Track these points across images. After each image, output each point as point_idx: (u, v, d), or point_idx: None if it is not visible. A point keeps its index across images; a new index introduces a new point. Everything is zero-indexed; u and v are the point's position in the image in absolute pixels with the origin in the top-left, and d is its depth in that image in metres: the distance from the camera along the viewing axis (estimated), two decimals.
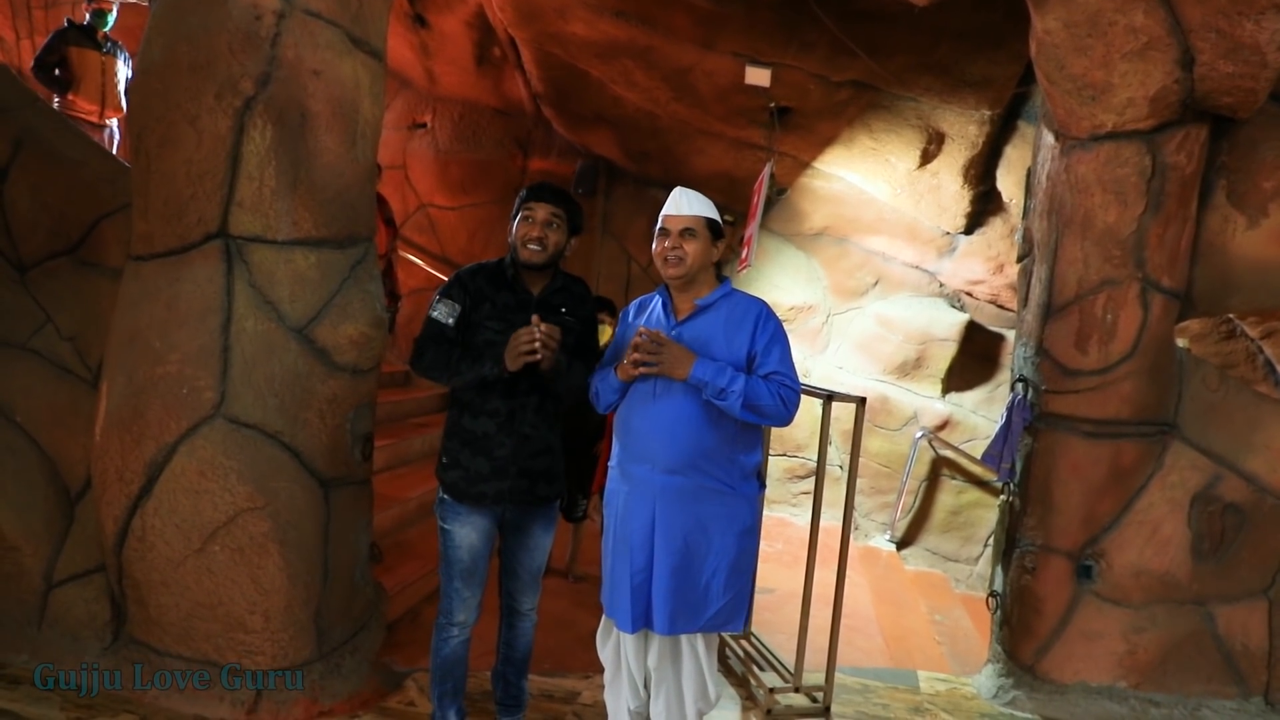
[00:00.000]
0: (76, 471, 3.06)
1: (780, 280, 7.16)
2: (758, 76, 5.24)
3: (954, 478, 6.78)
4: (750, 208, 5.76)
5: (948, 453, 6.69)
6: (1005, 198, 5.82)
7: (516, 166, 7.65)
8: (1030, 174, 3.81)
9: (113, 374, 2.81)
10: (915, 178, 5.85)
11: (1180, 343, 3.49)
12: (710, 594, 2.33)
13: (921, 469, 6.63)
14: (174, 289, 2.74)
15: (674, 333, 2.39)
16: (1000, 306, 6.82)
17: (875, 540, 6.60)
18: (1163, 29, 2.84)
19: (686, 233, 2.37)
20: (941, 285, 6.90)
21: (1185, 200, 3.27)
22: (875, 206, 6.53)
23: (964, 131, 5.33)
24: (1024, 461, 3.58)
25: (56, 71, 5.54)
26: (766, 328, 2.37)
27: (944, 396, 6.80)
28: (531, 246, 2.49)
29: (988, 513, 6.76)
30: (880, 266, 7.02)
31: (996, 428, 3.64)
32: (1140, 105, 3.06)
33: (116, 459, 2.76)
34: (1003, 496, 3.74)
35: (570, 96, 6.44)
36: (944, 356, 6.65)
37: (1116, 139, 3.21)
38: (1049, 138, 3.50)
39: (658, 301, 2.53)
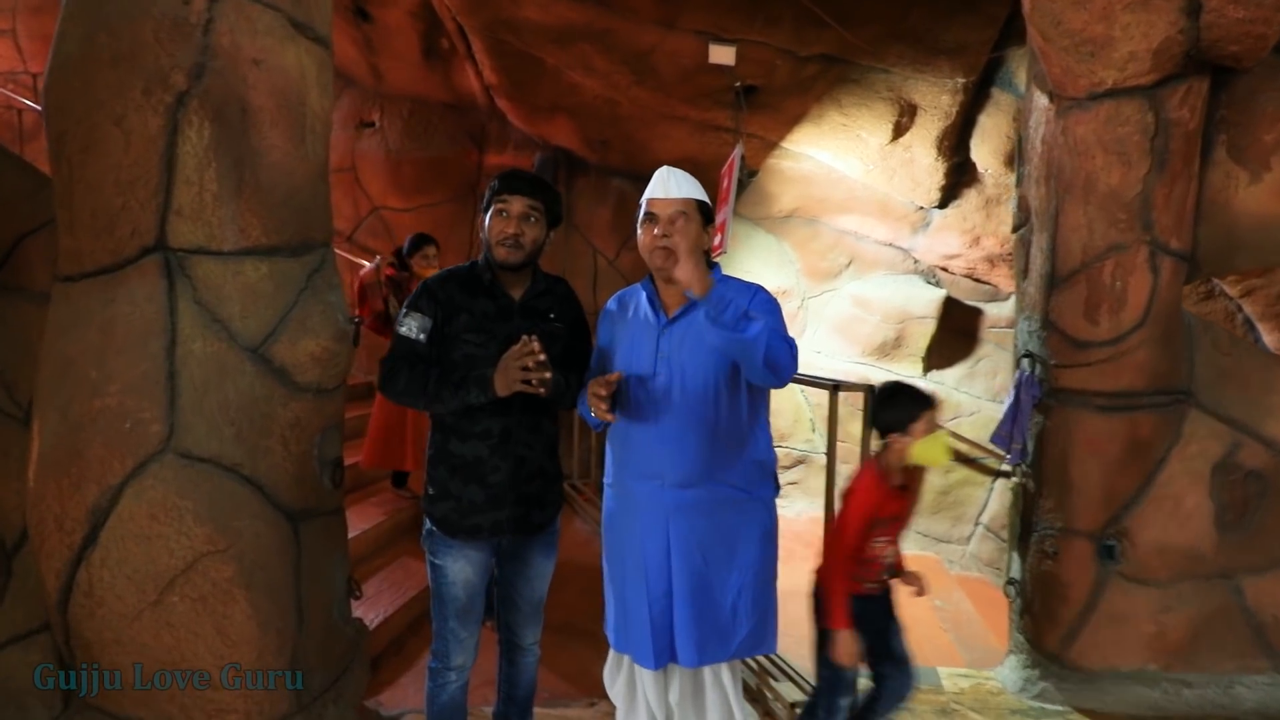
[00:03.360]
0: (11, 521, 2.74)
1: (751, 265, 6.97)
2: (722, 55, 5.02)
3: None
4: (720, 192, 5.55)
5: None
6: (980, 168, 5.67)
7: (472, 162, 7.35)
8: (1021, 140, 3.63)
9: (44, 410, 2.49)
10: (888, 152, 5.68)
11: None
12: (738, 616, 2.11)
13: None
14: (109, 311, 2.43)
15: (664, 332, 2.17)
16: (977, 280, 6.70)
17: None
18: None
19: (680, 218, 2.12)
20: (916, 262, 6.76)
21: (1189, 157, 3.12)
22: (846, 185, 6.35)
23: (937, 102, 5.16)
24: (1036, 441, 3.42)
25: None
26: (760, 304, 2.14)
27: (925, 375, 6.67)
28: (507, 245, 2.25)
29: (977, 491, 6.64)
30: (853, 246, 6.86)
31: (1004, 407, 3.46)
32: (1143, 59, 2.89)
33: (54, 506, 2.44)
34: (1014, 479, 3.57)
35: (525, 86, 6.17)
36: (923, 334, 6.51)
37: (1117, 96, 3.04)
38: (1042, 99, 3.32)
39: (641, 296, 2.28)
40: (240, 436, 2.48)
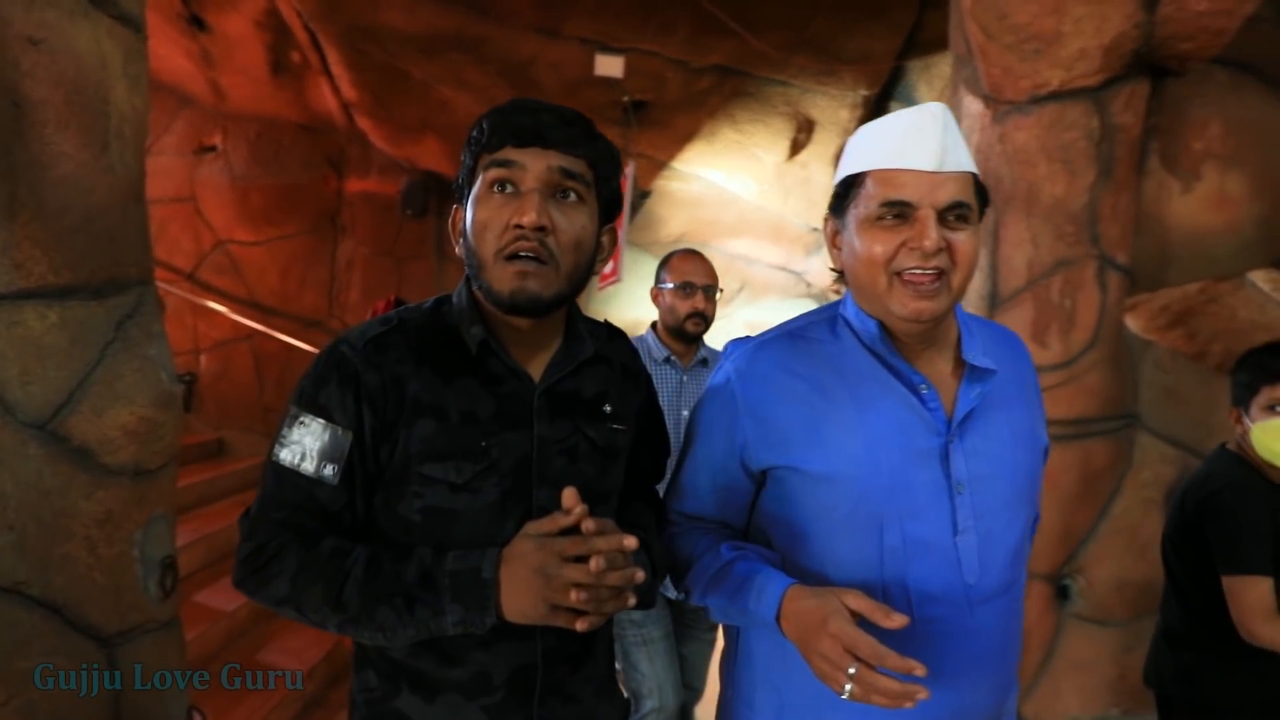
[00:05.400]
0: None
1: (640, 294, 6.57)
2: (609, 66, 4.62)
3: None
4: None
5: None
6: None
7: (330, 189, 6.68)
8: None
9: None
10: (784, 171, 5.42)
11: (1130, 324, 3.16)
12: None
13: None
14: None
15: (952, 445, 1.15)
16: None
17: None
18: None
19: (955, 213, 1.10)
20: (809, 285, 6.55)
21: (1132, 165, 2.93)
22: (738, 207, 6.07)
23: (835, 117, 4.94)
24: None
25: None
26: (1036, 388, 1.32)
27: None
28: (522, 259, 1.08)
29: None
30: (744, 271, 6.59)
31: None
32: (1093, 57, 2.67)
33: None
34: None
35: (389, 103, 5.58)
36: None
37: (1061, 99, 2.80)
38: (975, 105, 3.07)
39: (860, 360, 1.20)
40: (24, 545, 1.84)
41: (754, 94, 4.85)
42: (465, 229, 1.14)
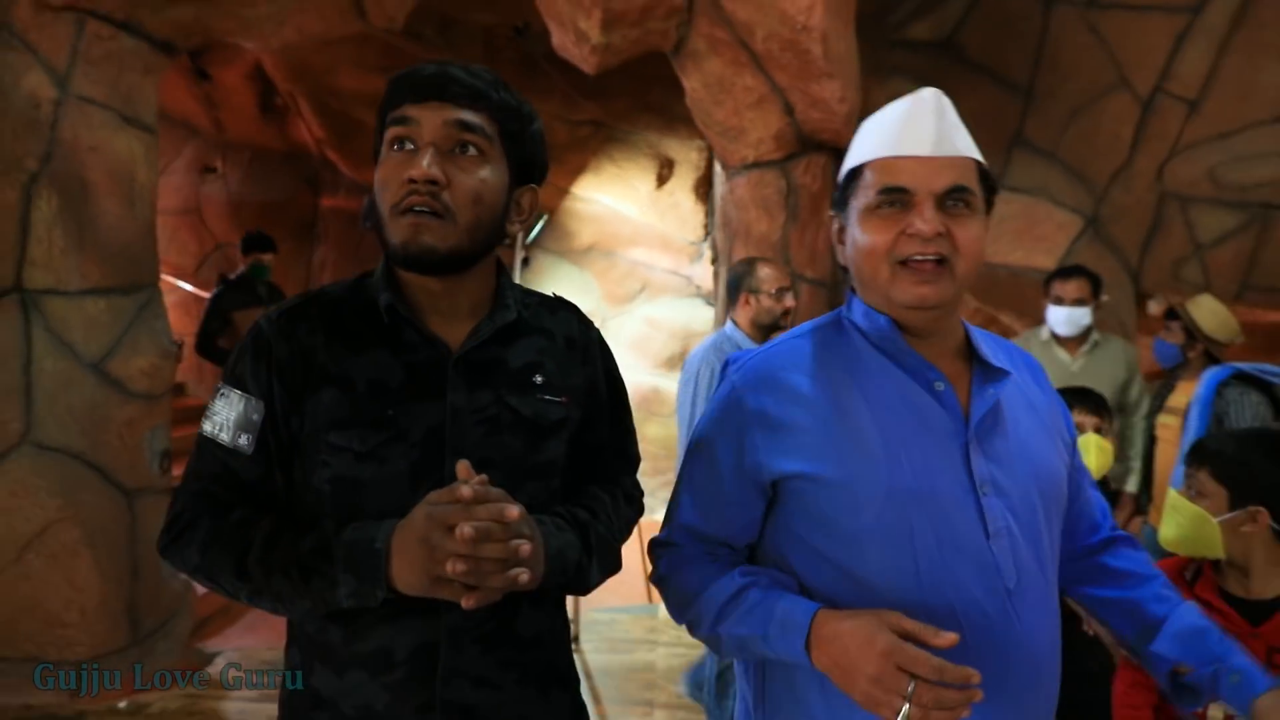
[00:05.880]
0: None
1: (557, 293, 7.99)
2: None
3: None
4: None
5: None
6: None
7: (307, 205, 8.12)
8: (713, 196, 4.79)
9: None
10: (656, 197, 6.84)
11: None
12: None
13: None
14: None
15: (973, 446, 1.11)
16: None
17: (658, 514, 7.49)
18: (767, 88, 3.83)
19: (955, 198, 1.09)
20: (698, 286, 7.93)
21: (816, 210, 4.30)
22: (631, 223, 7.48)
23: (688, 157, 6.35)
24: None
25: (220, 343, 4.70)
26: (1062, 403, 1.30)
27: None
28: (415, 212, 1.07)
29: None
30: (644, 274, 7.97)
31: None
32: (768, 142, 4.06)
33: None
34: None
35: (349, 140, 7.02)
36: None
37: (760, 167, 4.19)
38: (719, 167, 4.47)
39: (867, 358, 1.16)
40: (84, 431, 3.28)
41: (623, 139, 6.27)
42: (375, 190, 1.12)
